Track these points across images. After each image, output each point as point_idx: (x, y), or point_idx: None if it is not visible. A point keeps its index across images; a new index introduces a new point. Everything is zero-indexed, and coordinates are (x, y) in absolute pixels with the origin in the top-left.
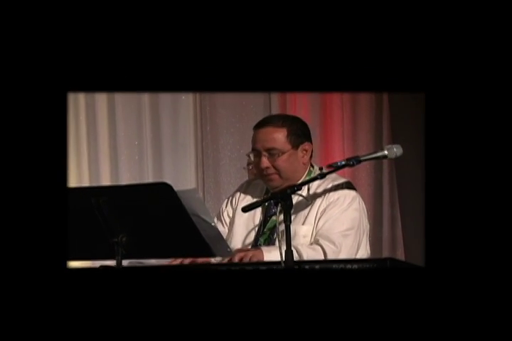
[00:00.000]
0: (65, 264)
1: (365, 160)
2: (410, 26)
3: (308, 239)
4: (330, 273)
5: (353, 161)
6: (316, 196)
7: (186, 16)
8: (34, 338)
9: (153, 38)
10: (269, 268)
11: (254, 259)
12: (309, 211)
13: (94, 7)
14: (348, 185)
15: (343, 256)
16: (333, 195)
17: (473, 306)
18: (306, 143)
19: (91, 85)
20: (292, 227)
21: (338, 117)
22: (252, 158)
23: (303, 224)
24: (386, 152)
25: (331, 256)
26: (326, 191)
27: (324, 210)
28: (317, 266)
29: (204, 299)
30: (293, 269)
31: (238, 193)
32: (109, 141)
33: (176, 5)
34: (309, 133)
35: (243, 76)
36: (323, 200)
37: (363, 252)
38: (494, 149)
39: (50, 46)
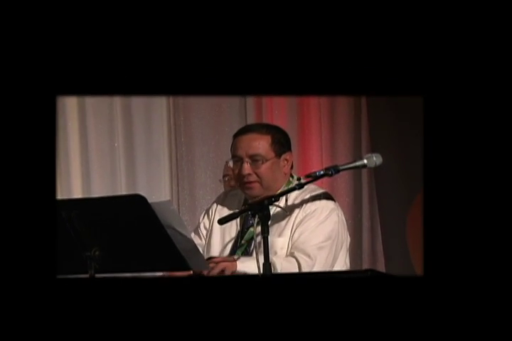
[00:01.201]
0: (55, 274)
1: (344, 169)
2: (407, 29)
3: (285, 251)
4: (313, 283)
5: (331, 171)
6: (293, 207)
7: (168, 22)
8: None
9: (141, 42)
10: (247, 276)
11: (227, 271)
12: (286, 222)
13: (82, 11)
14: (326, 196)
15: (317, 268)
16: (311, 207)
17: (471, 320)
18: (287, 153)
19: (80, 89)
20: (269, 239)
21: (315, 126)
22: (232, 165)
23: (279, 236)
24: (365, 161)
25: (305, 269)
26: (303, 202)
27: (301, 222)
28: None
29: (194, 307)
30: (272, 278)
31: (215, 205)
32: (81, 153)
33: (158, 10)
34: (290, 143)
35: (233, 78)
36: (300, 211)
37: (342, 265)
38: (495, 155)
39: (38, 49)
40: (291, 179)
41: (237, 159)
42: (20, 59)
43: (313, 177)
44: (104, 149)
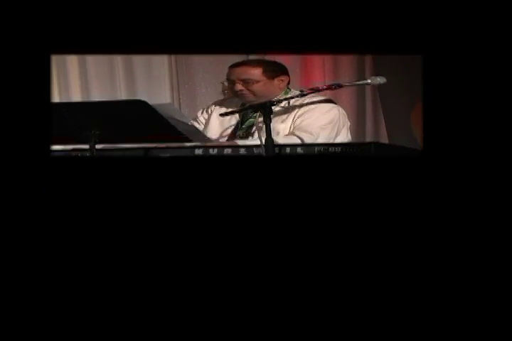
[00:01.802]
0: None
1: (347, 86)
2: None
3: (287, 132)
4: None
5: (334, 85)
6: (294, 106)
7: None
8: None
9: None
10: (250, 154)
11: None
12: (288, 115)
13: None
14: (328, 99)
15: None
16: (313, 104)
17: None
18: (282, 76)
19: (74, 47)
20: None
21: (318, 57)
22: (226, 84)
23: (281, 123)
24: (369, 80)
25: None
26: (305, 101)
27: (302, 114)
28: (299, 149)
29: (190, 185)
30: (275, 155)
31: (213, 105)
32: (80, 79)
33: None
34: (286, 70)
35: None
36: (302, 106)
37: (343, 139)
38: (493, 110)
39: (32, 7)
40: (287, 90)
41: (231, 81)
42: (15, 18)
43: (315, 90)
44: (104, 74)
